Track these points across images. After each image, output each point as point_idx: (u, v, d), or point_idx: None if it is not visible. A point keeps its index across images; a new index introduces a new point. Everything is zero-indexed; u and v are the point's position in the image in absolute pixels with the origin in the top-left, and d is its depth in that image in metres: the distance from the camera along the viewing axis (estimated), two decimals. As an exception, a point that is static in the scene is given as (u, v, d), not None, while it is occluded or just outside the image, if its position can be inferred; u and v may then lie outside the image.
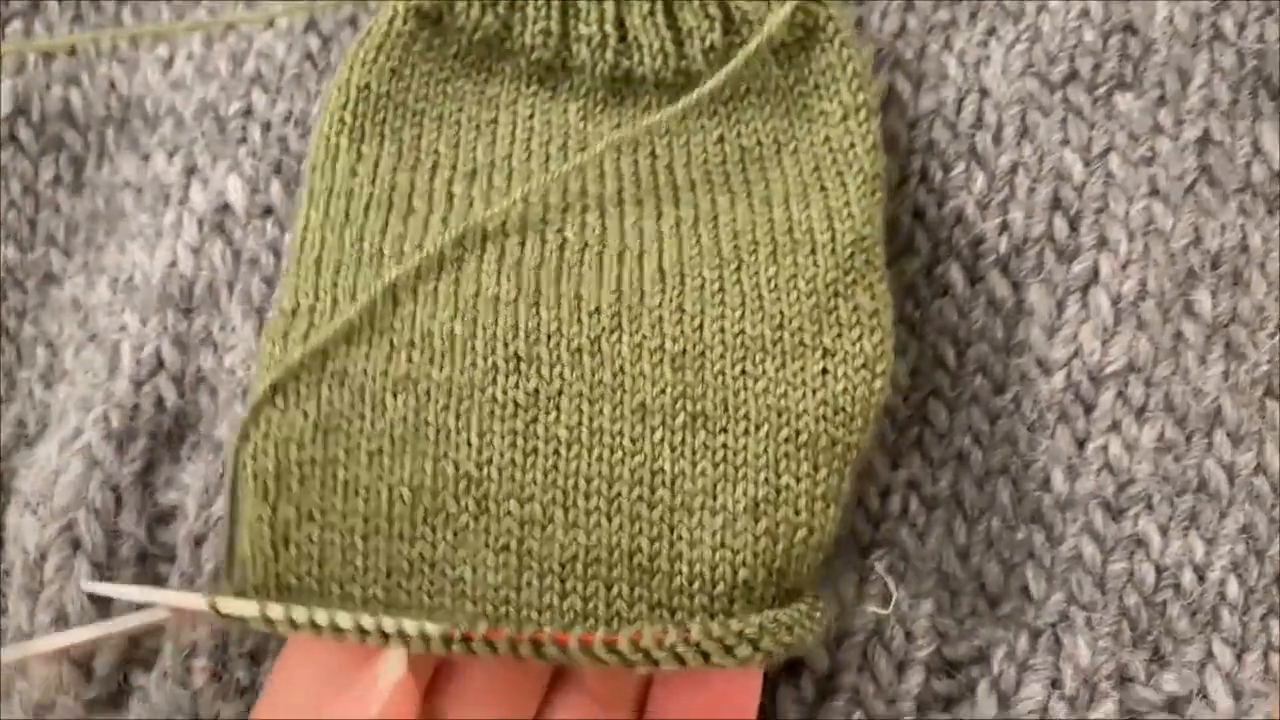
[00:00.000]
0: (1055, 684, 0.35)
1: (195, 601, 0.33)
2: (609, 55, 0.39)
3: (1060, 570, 0.37)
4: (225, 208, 0.39)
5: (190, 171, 0.39)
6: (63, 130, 0.42)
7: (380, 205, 0.36)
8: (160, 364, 0.38)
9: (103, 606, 0.36)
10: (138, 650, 0.37)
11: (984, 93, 0.39)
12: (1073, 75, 0.39)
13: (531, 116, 0.39)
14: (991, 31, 0.40)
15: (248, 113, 0.40)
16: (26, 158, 0.41)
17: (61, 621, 0.36)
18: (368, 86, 0.37)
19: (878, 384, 0.34)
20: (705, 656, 0.31)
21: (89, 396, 0.38)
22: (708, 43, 0.38)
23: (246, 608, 0.32)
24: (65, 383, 0.40)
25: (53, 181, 0.41)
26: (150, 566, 0.37)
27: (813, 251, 0.36)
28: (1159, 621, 0.36)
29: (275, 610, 0.31)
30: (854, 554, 0.38)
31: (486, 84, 0.39)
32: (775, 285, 0.35)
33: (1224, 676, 0.35)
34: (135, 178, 0.41)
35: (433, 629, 0.31)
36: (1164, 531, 0.36)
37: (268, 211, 0.39)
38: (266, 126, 0.40)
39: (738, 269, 0.35)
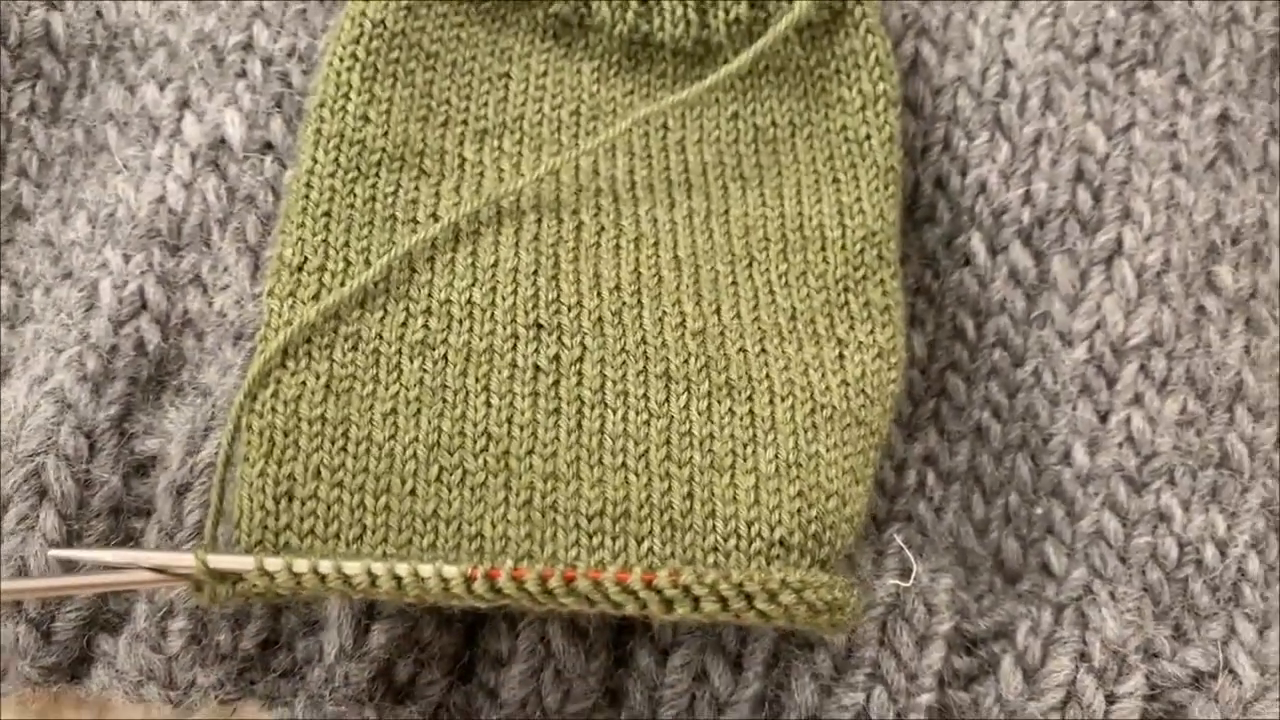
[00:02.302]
0: (1083, 657, 0.34)
1: (181, 560, 0.30)
2: (629, 17, 0.38)
3: (1082, 545, 0.36)
4: (221, 142, 0.37)
5: (184, 104, 0.37)
6: (41, 56, 0.39)
7: (392, 163, 0.35)
8: (143, 304, 0.35)
9: (69, 568, 0.33)
10: (103, 612, 0.34)
11: (1008, 64, 0.39)
12: (1096, 50, 0.39)
13: (545, 74, 0.38)
14: (1015, 3, 0.39)
15: (248, 46, 0.38)
16: (0, 84, 0.38)
17: (22, 578, 0.33)
18: (383, 22, 0.36)
19: (893, 374, 0.34)
20: (749, 599, 0.29)
21: (61, 337, 0.35)
22: (732, 15, 0.38)
23: (243, 562, 0.29)
24: (32, 323, 0.37)
25: (28, 110, 0.39)
26: (124, 520, 0.34)
27: (823, 248, 0.35)
28: (1181, 597, 0.36)
29: (274, 563, 0.29)
30: (870, 528, 0.37)
31: (500, 34, 0.38)
32: (787, 281, 0.35)
33: (1248, 652, 0.35)
34: (120, 109, 0.38)
35: (451, 570, 0.29)
36: (1186, 506, 0.36)
37: (267, 147, 0.37)
38: (268, 60, 0.37)
39: (749, 264, 0.35)
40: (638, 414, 0.32)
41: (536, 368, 0.32)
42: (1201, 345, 0.37)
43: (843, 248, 0.35)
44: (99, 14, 0.39)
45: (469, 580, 0.29)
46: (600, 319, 0.33)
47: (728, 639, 0.35)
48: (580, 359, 0.33)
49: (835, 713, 0.34)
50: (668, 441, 0.32)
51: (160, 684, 0.33)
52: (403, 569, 0.29)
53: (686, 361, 0.33)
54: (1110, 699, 0.34)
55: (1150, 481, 0.36)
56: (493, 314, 0.33)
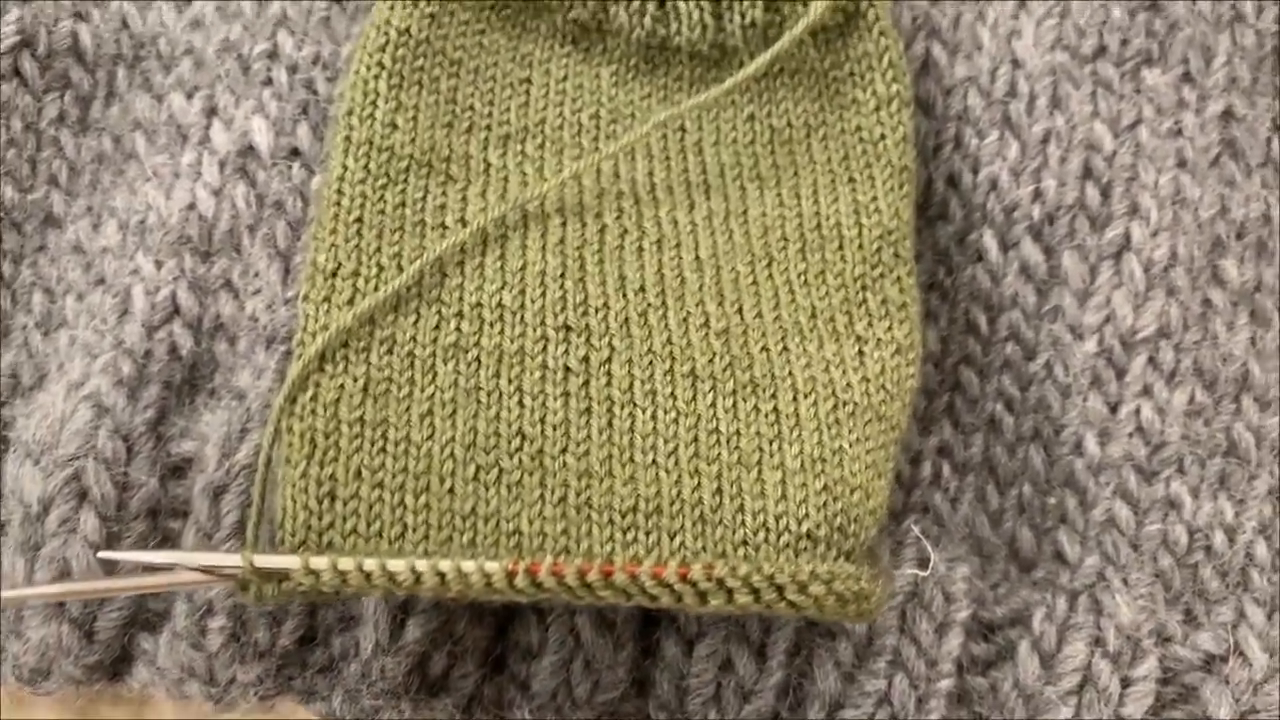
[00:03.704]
0: (1098, 642, 0.35)
1: (228, 560, 0.31)
2: (647, 22, 0.39)
3: (1094, 533, 0.37)
4: (249, 149, 0.37)
5: (211, 112, 0.38)
6: (69, 67, 0.39)
7: (420, 168, 0.35)
8: (175, 309, 0.36)
9: (110, 569, 0.34)
10: (143, 612, 0.35)
11: (1017, 63, 0.40)
12: (1101, 50, 0.40)
13: (565, 79, 0.39)
14: (1023, 4, 0.40)
15: (273, 54, 0.38)
16: (30, 93, 0.39)
17: (65, 580, 0.33)
18: (408, 31, 0.36)
19: (911, 369, 0.35)
20: (780, 591, 0.30)
21: (95, 343, 0.36)
22: (748, 19, 0.38)
23: (288, 561, 0.30)
24: (65, 330, 0.37)
25: (57, 120, 0.39)
26: (162, 522, 0.35)
27: (840, 247, 0.36)
28: (1191, 583, 0.37)
29: (320, 562, 0.30)
30: (887, 520, 0.38)
31: (520, 40, 0.39)
32: (806, 279, 0.36)
33: (1257, 635, 0.35)
34: (148, 118, 0.39)
35: (493, 566, 0.30)
36: (1195, 494, 0.37)
37: (295, 153, 0.37)
38: (293, 69, 0.38)
39: (769, 264, 0.36)
40: (666, 413, 0.33)
41: (567, 369, 0.33)
42: (1208, 337, 0.38)
43: (860, 247, 0.36)
44: (125, 24, 0.40)
45: (510, 575, 0.30)
46: (627, 320, 0.34)
47: (751, 629, 0.36)
48: (609, 360, 0.33)
49: (857, 699, 0.35)
50: (696, 439, 0.33)
51: (201, 681, 0.34)
52: (446, 566, 0.29)
53: (711, 361, 0.34)
54: (1125, 682, 0.35)
55: (1160, 470, 0.37)
56: (522, 316, 0.34)
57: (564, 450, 0.32)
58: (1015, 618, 0.36)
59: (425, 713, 0.34)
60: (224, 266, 0.37)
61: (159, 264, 0.36)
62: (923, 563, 0.36)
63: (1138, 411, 0.37)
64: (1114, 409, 0.38)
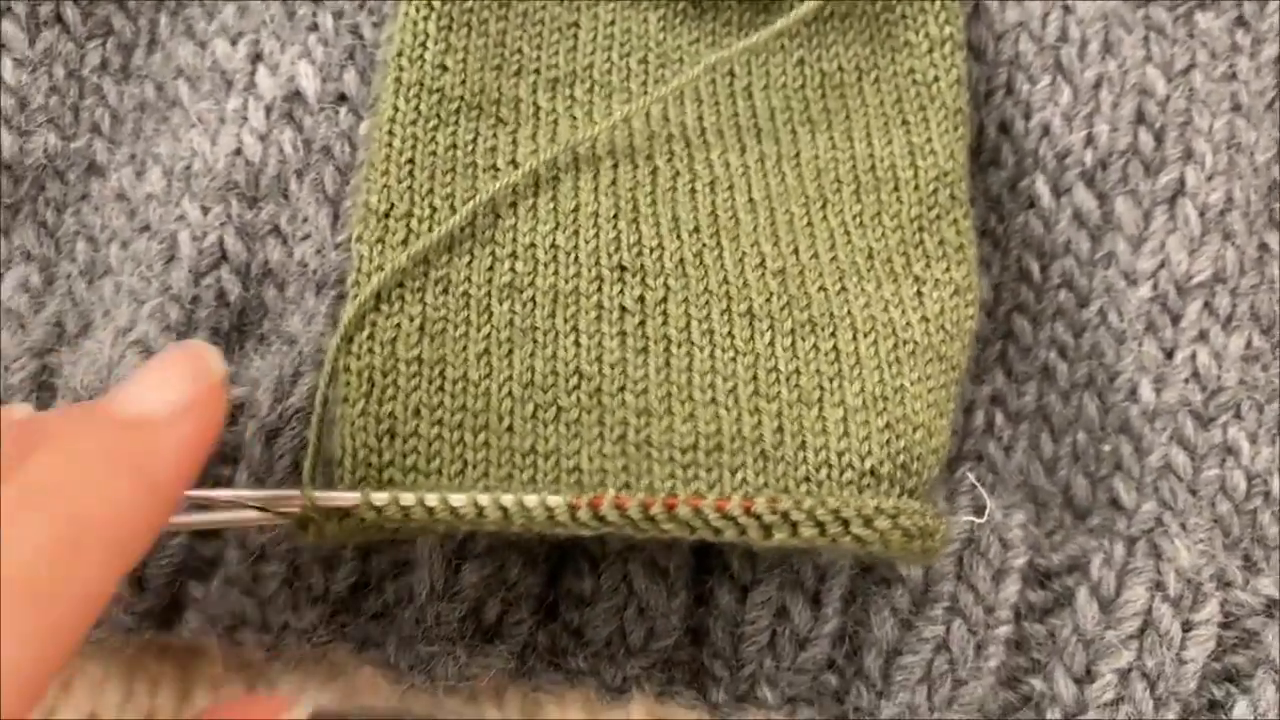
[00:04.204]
0: (1159, 586, 0.34)
1: (288, 496, 0.30)
2: None
3: (1150, 479, 0.37)
4: (295, 95, 0.37)
5: (256, 58, 0.37)
6: (111, 14, 0.39)
7: (470, 110, 0.35)
8: (223, 255, 0.36)
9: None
10: (193, 559, 0.34)
11: (1068, 9, 0.39)
12: (1153, -6, 0.39)
13: (613, 23, 0.38)
14: (1073, -51, 0.40)
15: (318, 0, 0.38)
16: (72, 41, 0.38)
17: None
18: None
19: (970, 310, 0.35)
20: (845, 525, 0.30)
21: (142, 289, 0.35)
22: None
23: (350, 497, 0.30)
24: (110, 278, 0.37)
25: (99, 67, 0.39)
26: (212, 468, 0.34)
27: (896, 189, 0.36)
28: (1250, 528, 0.36)
29: (381, 497, 0.30)
30: (941, 469, 0.37)
31: None
32: (861, 221, 0.35)
33: (1319, 580, 0.35)
34: (191, 65, 0.38)
35: (556, 500, 0.29)
36: (1253, 439, 0.37)
37: (341, 99, 0.37)
38: (339, 14, 0.38)
39: (823, 206, 0.36)
40: (724, 351, 0.33)
41: (622, 308, 0.33)
42: (1265, 281, 0.37)
43: (916, 188, 0.36)
44: (167, -30, 0.40)
45: (573, 509, 0.29)
46: (682, 260, 0.34)
47: (806, 576, 0.35)
48: (665, 299, 0.33)
49: (915, 645, 0.35)
50: (755, 377, 0.32)
51: (254, 628, 0.34)
52: (509, 500, 0.29)
53: (769, 300, 0.33)
54: (1186, 626, 0.34)
55: (1217, 416, 0.37)
56: (576, 257, 0.33)
57: (622, 389, 0.32)
58: (1072, 564, 0.36)
59: (481, 660, 0.34)
60: (271, 212, 0.36)
61: (205, 210, 0.36)
62: (979, 510, 0.36)
63: (1193, 357, 0.37)
64: (1169, 355, 0.37)
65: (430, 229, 0.33)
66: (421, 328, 0.32)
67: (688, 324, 0.33)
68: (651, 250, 0.34)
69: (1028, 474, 0.38)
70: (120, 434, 0.25)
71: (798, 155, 0.37)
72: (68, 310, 0.37)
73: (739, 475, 0.31)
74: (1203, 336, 0.37)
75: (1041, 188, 0.39)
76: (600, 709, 0.36)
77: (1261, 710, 0.34)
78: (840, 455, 0.31)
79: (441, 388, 0.31)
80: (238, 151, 0.36)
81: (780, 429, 0.32)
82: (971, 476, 0.36)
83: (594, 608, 0.35)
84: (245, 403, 0.34)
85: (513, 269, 0.33)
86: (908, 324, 0.33)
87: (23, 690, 0.21)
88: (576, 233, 0.34)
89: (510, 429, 0.31)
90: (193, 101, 0.38)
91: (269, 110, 0.37)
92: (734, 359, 0.33)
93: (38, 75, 0.38)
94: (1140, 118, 0.38)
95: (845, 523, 0.30)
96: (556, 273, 0.33)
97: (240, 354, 0.35)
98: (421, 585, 0.34)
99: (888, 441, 0.32)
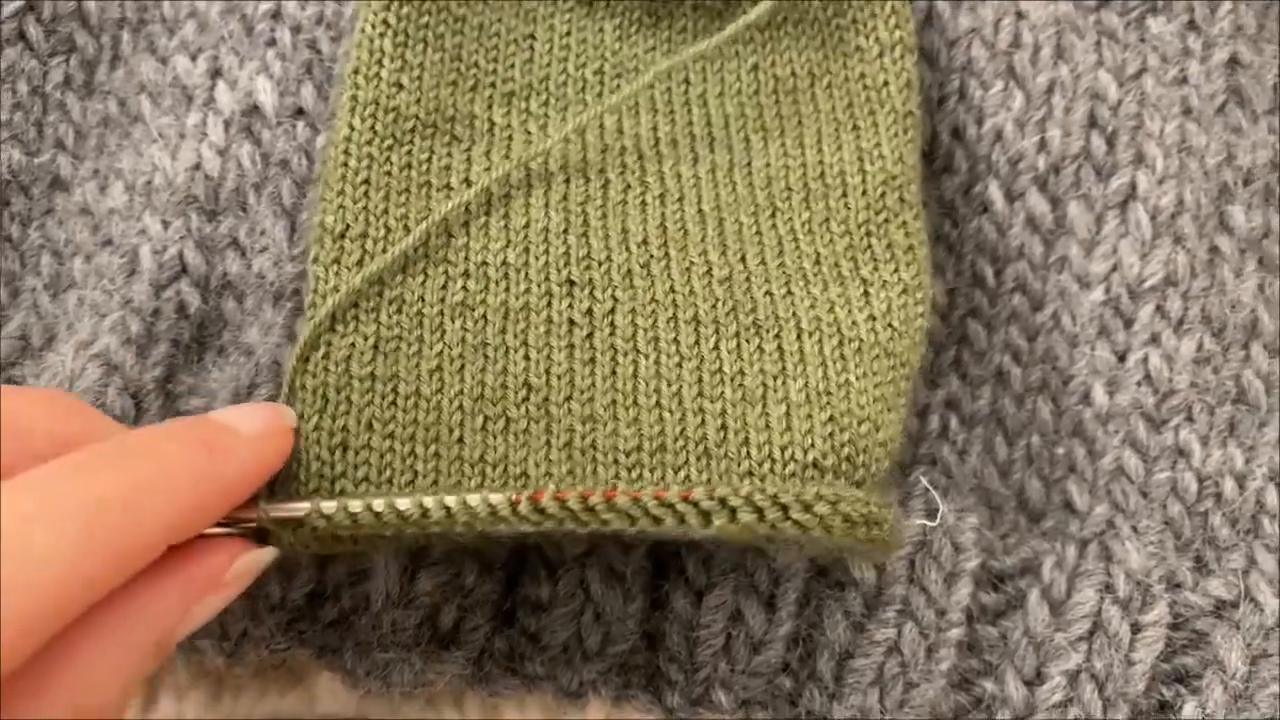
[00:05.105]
0: (1108, 589, 0.35)
1: (245, 513, 0.31)
2: None
3: (1103, 482, 0.37)
4: (254, 109, 0.37)
5: (215, 74, 0.38)
6: (74, 31, 0.39)
7: (425, 129, 0.36)
8: (183, 268, 0.36)
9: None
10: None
11: (1020, 14, 0.40)
12: (1105, -1, 0.40)
13: (569, 34, 0.39)
14: (1026, -44, 0.40)
15: (276, 15, 0.38)
16: (35, 58, 0.39)
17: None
18: None
19: (919, 309, 0.35)
20: (784, 510, 0.30)
21: (104, 303, 0.36)
22: None
23: (300, 507, 0.30)
24: (74, 291, 0.37)
25: (62, 84, 0.39)
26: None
27: (844, 194, 0.36)
28: (1201, 530, 0.37)
29: (330, 505, 0.30)
30: (895, 472, 0.38)
31: None
32: (810, 228, 0.36)
33: (1268, 581, 0.35)
34: (153, 80, 0.39)
35: (498, 498, 0.30)
36: (1205, 441, 0.37)
37: (299, 113, 0.38)
38: (296, 29, 0.38)
39: (772, 214, 0.36)
40: (669, 358, 0.33)
41: (571, 322, 0.33)
42: (1216, 285, 0.38)
43: (864, 193, 0.36)
44: (128, -12, 0.40)
45: (514, 504, 0.30)
46: (630, 272, 0.34)
47: (760, 580, 0.36)
48: (612, 311, 0.34)
49: (867, 648, 0.35)
50: (700, 380, 0.33)
51: (213, 636, 0.34)
52: (451, 500, 0.30)
53: (714, 306, 0.34)
54: (1135, 628, 0.35)
55: (1169, 419, 0.37)
56: (527, 274, 0.34)
57: (568, 399, 0.33)
58: (1025, 567, 0.36)
59: (436, 666, 0.34)
60: (230, 225, 0.37)
61: (166, 224, 0.36)
62: (931, 514, 0.36)
63: (1145, 360, 0.37)
64: (1122, 358, 0.38)
65: (385, 249, 0.34)
66: (375, 345, 0.33)
67: (634, 333, 0.33)
68: (600, 263, 0.34)
69: (982, 477, 0.38)
70: (210, 428, 0.29)
71: (750, 163, 0.37)
72: (33, 323, 0.38)
73: (682, 473, 0.32)
74: (1155, 340, 0.38)
75: (995, 193, 0.39)
76: (558, 712, 0.37)
77: (1210, 711, 0.34)
78: (784, 449, 0.32)
79: (394, 402, 0.32)
80: (197, 166, 0.37)
81: (724, 427, 0.32)
82: (924, 480, 0.36)
83: (551, 613, 0.35)
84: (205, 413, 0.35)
85: (465, 287, 0.34)
86: (853, 323, 0.34)
87: (60, 595, 0.24)
88: (527, 249, 0.34)
89: (460, 440, 0.32)
90: (154, 117, 0.38)
91: (228, 125, 0.37)
92: (679, 364, 0.33)
93: (1, 92, 0.39)
94: (1092, 122, 0.39)
95: (784, 508, 0.30)
96: (508, 289, 0.34)
97: (199, 365, 0.36)
98: (378, 593, 0.34)
99: (830, 435, 0.32)
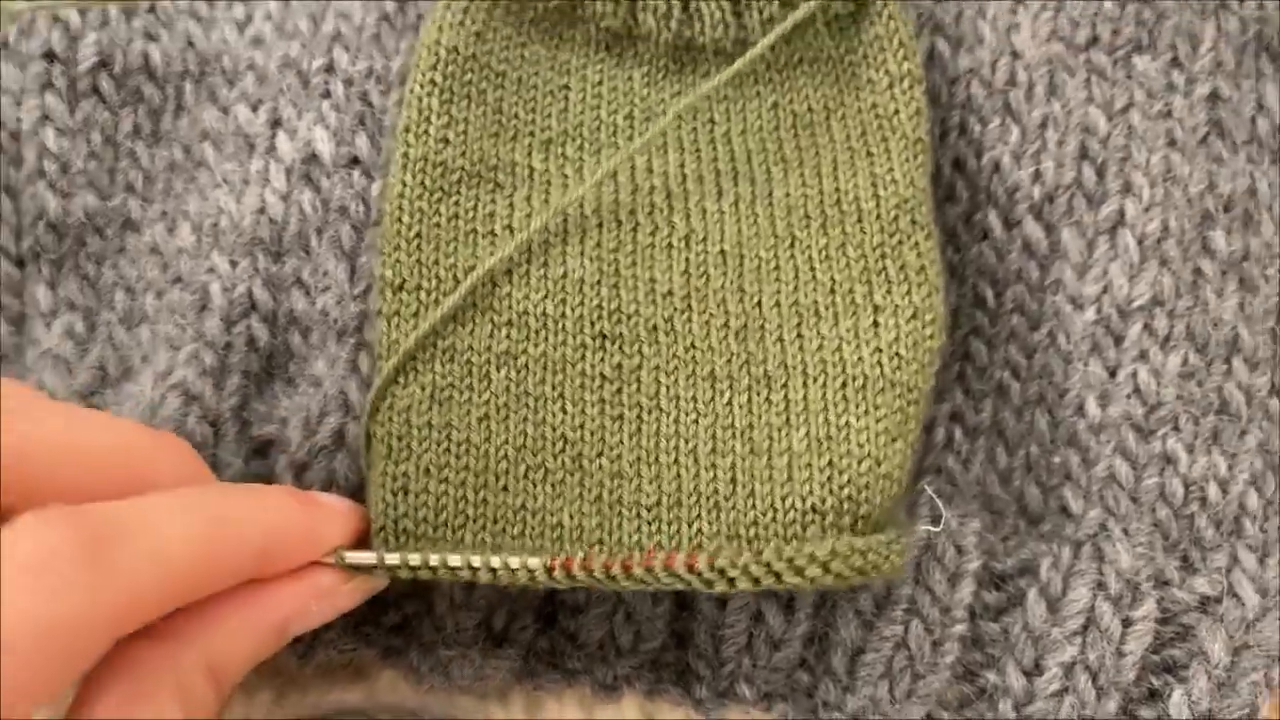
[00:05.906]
0: (1100, 587, 0.38)
1: (326, 557, 0.34)
2: (673, 24, 0.41)
3: (1096, 488, 0.40)
4: (313, 157, 0.41)
5: (275, 123, 0.41)
6: (141, 84, 0.43)
7: (470, 179, 0.38)
8: (252, 304, 0.39)
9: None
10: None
11: (1015, 55, 0.43)
12: (1094, 39, 0.42)
13: (600, 83, 0.42)
14: (1020, 0, 0.43)
15: (330, 69, 0.41)
16: (107, 109, 0.42)
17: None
18: (456, 49, 0.39)
19: (929, 331, 0.38)
20: (777, 576, 0.33)
21: (177, 336, 0.39)
22: (765, 15, 0.41)
23: (366, 558, 0.34)
24: (146, 325, 0.41)
25: (132, 132, 0.43)
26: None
27: (859, 219, 0.39)
28: (1188, 532, 0.39)
29: (393, 558, 0.34)
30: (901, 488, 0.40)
31: (558, 50, 0.42)
32: (826, 255, 0.38)
33: (1250, 578, 0.38)
34: (215, 129, 0.42)
35: (534, 562, 0.33)
36: (1190, 449, 0.40)
37: (354, 162, 0.41)
38: (349, 82, 0.41)
39: (791, 244, 0.39)
40: (687, 415, 0.36)
41: (603, 375, 0.37)
42: (1199, 304, 0.41)
43: (878, 217, 0.38)
44: (190, 43, 0.43)
45: (549, 570, 0.33)
46: (655, 327, 0.37)
47: (781, 584, 0.39)
48: (639, 366, 0.37)
49: (877, 644, 0.38)
50: (713, 436, 0.36)
51: (287, 639, 0.38)
52: (496, 562, 0.34)
53: (729, 361, 0.37)
54: (1126, 623, 0.38)
55: (1157, 429, 0.40)
56: (563, 325, 0.37)
57: (599, 454, 0.36)
58: (1024, 567, 0.39)
59: (492, 661, 0.38)
60: (294, 265, 0.40)
61: (234, 263, 0.40)
62: (936, 520, 0.39)
63: (1135, 375, 0.40)
64: (1112, 373, 0.41)
65: (439, 299, 0.37)
66: (432, 395, 0.36)
67: (657, 390, 0.37)
68: (629, 317, 0.37)
69: (984, 485, 0.41)
70: (300, 493, 0.35)
71: (770, 194, 0.40)
72: (109, 355, 0.41)
73: (694, 526, 0.35)
74: (1143, 356, 0.40)
75: (994, 220, 0.42)
76: (595, 707, 0.40)
77: (1195, 699, 0.37)
78: (784, 499, 0.35)
79: (447, 450, 0.35)
80: (261, 210, 0.40)
81: (733, 480, 0.36)
82: (929, 489, 0.39)
83: (587, 614, 0.38)
84: (276, 439, 0.38)
85: (508, 336, 0.37)
86: (859, 359, 0.37)
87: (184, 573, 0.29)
88: (564, 300, 0.37)
89: (505, 488, 0.35)
90: (218, 163, 0.41)
91: (289, 172, 0.40)
92: (695, 421, 0.36)
93: (77, 142, 0.42)
94: (1083, 154, 0.42)
95: (777, 575, 0.33)
96: (546, 340, 0.37)
97: (270, 394, 0.39)
98: (442, 598, 0.38)
99: (829, 479, 0.35)
